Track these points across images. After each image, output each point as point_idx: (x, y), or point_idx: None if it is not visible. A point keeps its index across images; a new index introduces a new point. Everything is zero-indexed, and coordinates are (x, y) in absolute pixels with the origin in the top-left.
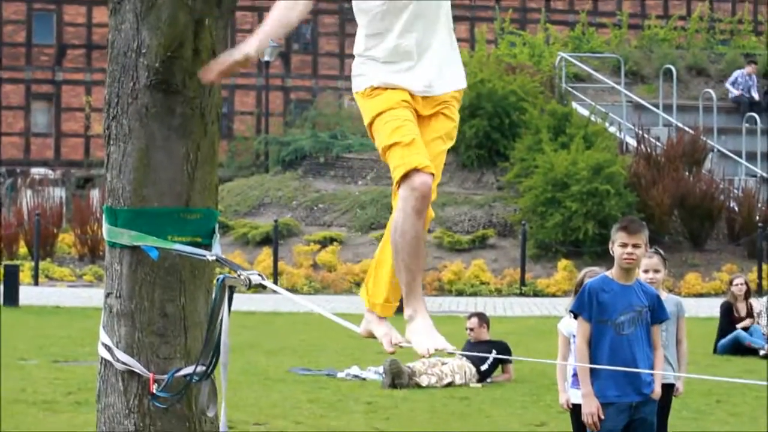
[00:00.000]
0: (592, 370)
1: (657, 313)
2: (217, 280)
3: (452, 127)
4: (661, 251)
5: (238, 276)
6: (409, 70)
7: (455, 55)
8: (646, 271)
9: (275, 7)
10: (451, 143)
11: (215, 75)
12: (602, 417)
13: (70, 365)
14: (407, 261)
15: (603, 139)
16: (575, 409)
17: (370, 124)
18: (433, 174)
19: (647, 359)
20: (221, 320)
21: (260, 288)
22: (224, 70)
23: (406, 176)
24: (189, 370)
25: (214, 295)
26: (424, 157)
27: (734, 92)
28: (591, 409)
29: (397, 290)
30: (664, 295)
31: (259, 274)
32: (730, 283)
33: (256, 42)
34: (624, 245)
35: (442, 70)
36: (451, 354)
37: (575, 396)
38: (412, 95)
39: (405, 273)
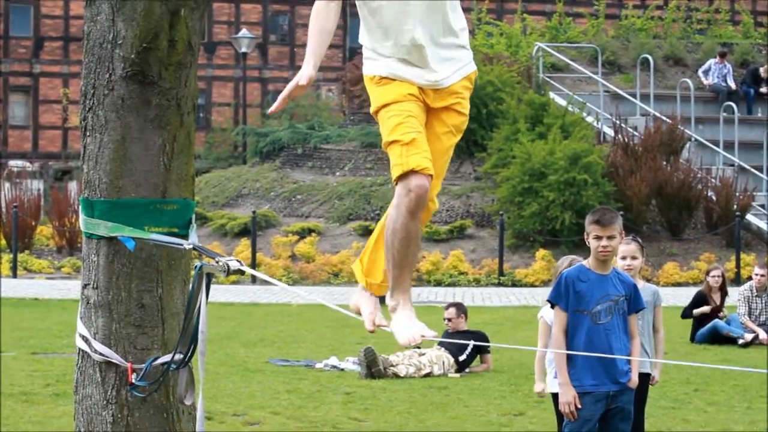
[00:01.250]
0: (568, 360)
1: (634, 302)
2: (195, 267)
3: (462, 121)
4: (639, 239)
5: (217, 262)
6: (413, 65)
7: (462, 39)
8: (623, 258)
9: (312, 21)
10: (460, 135)
11: (282, 104)
12: (579, 406)
13: (49, 357)
14: (397, 258)
15: (580, 128)
16: (556, 398)
17: (376, 112)
18: (431, 175)
19: (624, 348)
20: (199, 308)
21: (239, 274)
22: (288, 96)
23: (403, 176)
24: (167, 358)
25: (191, 283)
26: (423, 157)
27: (705, 81)
28: (568, 398)
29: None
30: (641, 284)
31: (237, 260)
32: (707, 273)
33: (312, 61)
34: (598, 238)
35: (448, 61)
36: (430, 343)
37: (554, 385)
38: (421, 88)
39: (393, 267)
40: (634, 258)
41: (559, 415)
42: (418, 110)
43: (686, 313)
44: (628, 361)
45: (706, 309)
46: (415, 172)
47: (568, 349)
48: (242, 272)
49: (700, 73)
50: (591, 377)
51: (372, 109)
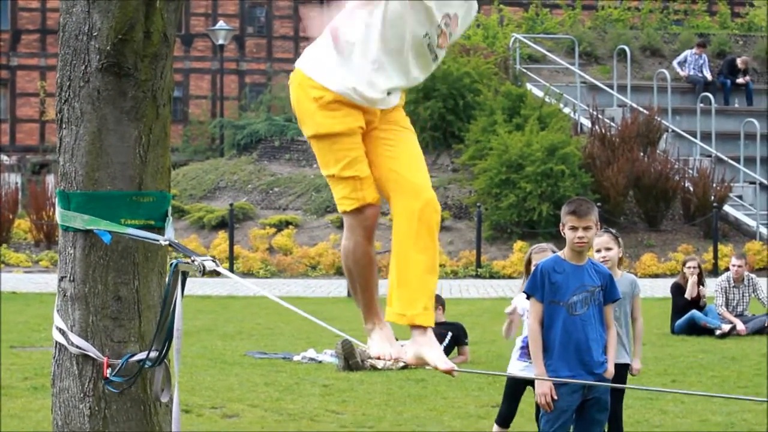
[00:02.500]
0: (544, 350)
1: (609, 292)
2: (171, 265)
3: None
4: (612, 230)
5: (192, 262)
6: (381, 92)
7: None
8: (598, 251)
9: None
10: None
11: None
12: (555, 397)
13: (27, 351)
14: (364, 284)
15: (557, 120)
16: (509, 380)
17: (316, 137)
18: (379, 204)
19: (600, 339)
20: (174, 305)
21: (214, 275)
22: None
23: (358, 209)
24: (142, 355)
25: (167, 281)
26: (374, 189)
27: (681, 72)
28: (544, 389)
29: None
30: (619, 274)
31: (213, 260)
32: (684, 264)
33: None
34: (574, 228)
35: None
36: (407, 335)
37: (515, 367)
38: (369, 111)
39: (363, 293)
40: (608, 249)
41: (510, 393)
42: (361, 141)
43: (677, 327)
44: (604, 352)
45: (693, 291)
46: (370, 204)
47: (544, 341)
48: (218, 273)
49: (675, 64)
50: (567, 368)
51: (310, 132)
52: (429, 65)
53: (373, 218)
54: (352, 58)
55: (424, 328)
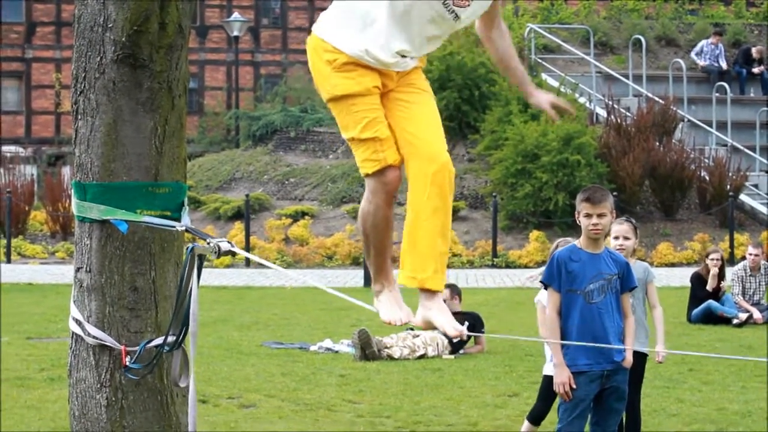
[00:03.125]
0: (562, 339)
1: (626, 280)
2: (187, 249)
3: (424, 79)
4: (632, 219)
5: (208, 243)
6: (394, 55)
7: None
8: (616, 238)
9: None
10: (432, 95)
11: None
12: (574, 386)
13: (43, 342)
14: (378, 246)
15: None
16: (549, 380)
17: (333, 99)
18: (400, 166)
19: (617, 327)
20: (190, 290)
21: (230, 255)
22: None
23: (379, 171)
24: (160, 341)
25: (184, 265)
26: (395, 151)
27: (699, 62)
28: (562, 378)
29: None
30: (632, 262)
31: (228, 242)
32: (707, 255)
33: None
34: (589, 216)
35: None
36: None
37: (548, 368)
38: (384, 73)
39: (376, 256)
40: (626, 238)
41: (545, 395)
42: (380, 102)
43: (694, 316)
44: (622, 340)
45: (714, 283)
46: (391, 166)
47: (562, 330)
48: (234, 254)
49: (693, 55)
50: (585, 357)
51: (327, 96)
52: (450, 25)
53: (396, 181)
54: (365, 21)
55: (433, 292)
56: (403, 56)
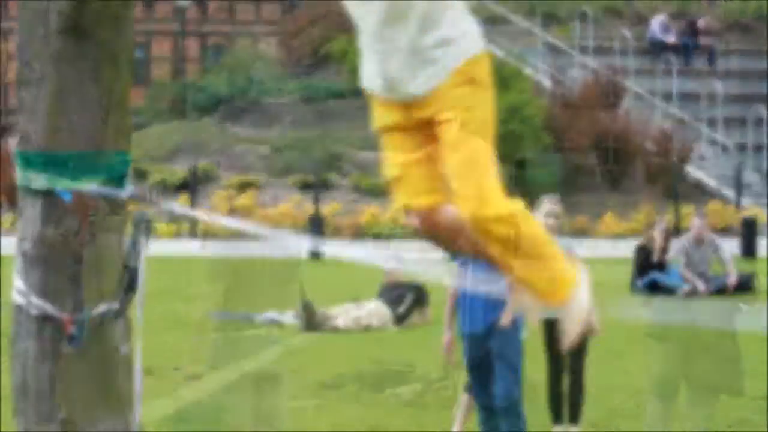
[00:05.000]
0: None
1: None
2: (136, 215)
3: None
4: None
5: (155, 203)
6: None
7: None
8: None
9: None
10: (465, 112)
11: None
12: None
13: None
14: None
15: (518, 81)
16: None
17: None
18: (430, 205)
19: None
20: (136, 257)
21: (179, 218)
22: None
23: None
24: (103, 309)
25: (132, 232)
26: (404, 192)
27: (668, 40)
28: (443, 341)
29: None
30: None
31: (176, 204)
32: (652, 226)
33: None
34: None
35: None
36: (369, 295)
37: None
38: (408, 105)
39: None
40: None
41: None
42: (402, 140)
43: (639, 287)
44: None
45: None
46: (406, 209)
47: (459, 296)
48: (178, 219)
49: (658, 35)
50: (468, 320)
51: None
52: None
53: (414, 225)
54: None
55: None
56: (388, 80)
